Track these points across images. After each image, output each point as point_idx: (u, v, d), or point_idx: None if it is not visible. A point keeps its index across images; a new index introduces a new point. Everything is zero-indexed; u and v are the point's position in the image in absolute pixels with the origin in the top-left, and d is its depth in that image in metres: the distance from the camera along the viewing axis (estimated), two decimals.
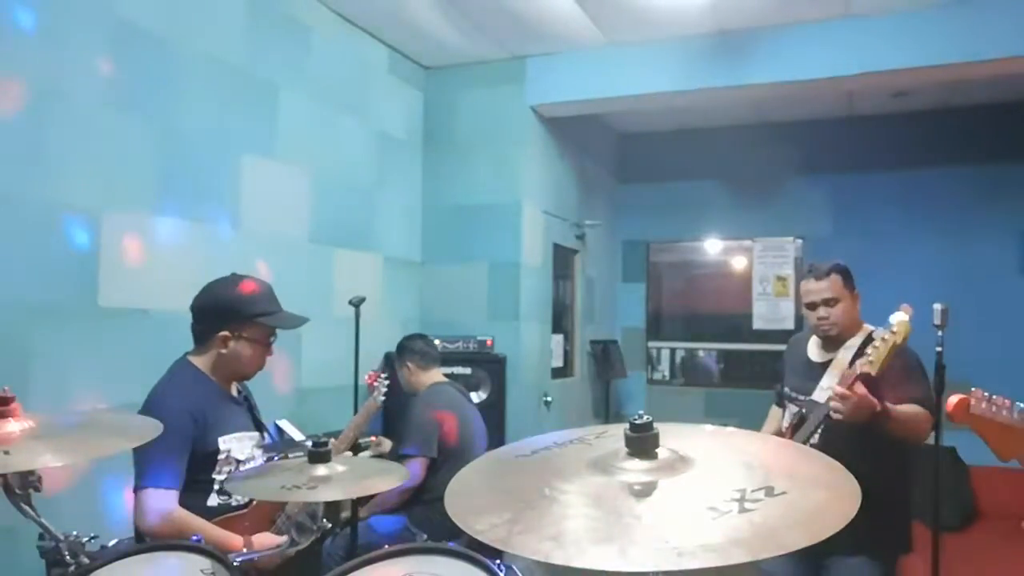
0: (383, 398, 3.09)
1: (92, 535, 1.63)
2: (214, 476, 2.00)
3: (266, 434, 2.24)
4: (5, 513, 1.58)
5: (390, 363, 4.23)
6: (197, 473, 1.98)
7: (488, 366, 4.44)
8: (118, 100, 2.87)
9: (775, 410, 2.85)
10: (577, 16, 4.15)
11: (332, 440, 2.75)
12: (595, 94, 4.63)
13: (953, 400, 1.55)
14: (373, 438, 3.62)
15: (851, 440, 2.20)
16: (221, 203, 3.36)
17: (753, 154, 6.06)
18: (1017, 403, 1.49)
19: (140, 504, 1.92)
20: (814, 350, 2.63)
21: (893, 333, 2.26)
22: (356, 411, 3.61)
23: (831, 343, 2.55)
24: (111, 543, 1.84)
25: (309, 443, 1.77)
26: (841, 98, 5.41)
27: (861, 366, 2.25)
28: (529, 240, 4.77)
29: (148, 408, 2.01)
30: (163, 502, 1.91)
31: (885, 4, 3.92)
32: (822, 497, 1.01)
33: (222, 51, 3.35)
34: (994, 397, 1.47)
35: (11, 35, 2.52)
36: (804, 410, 2.47)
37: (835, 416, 2.24)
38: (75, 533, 1.59)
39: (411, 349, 3.52)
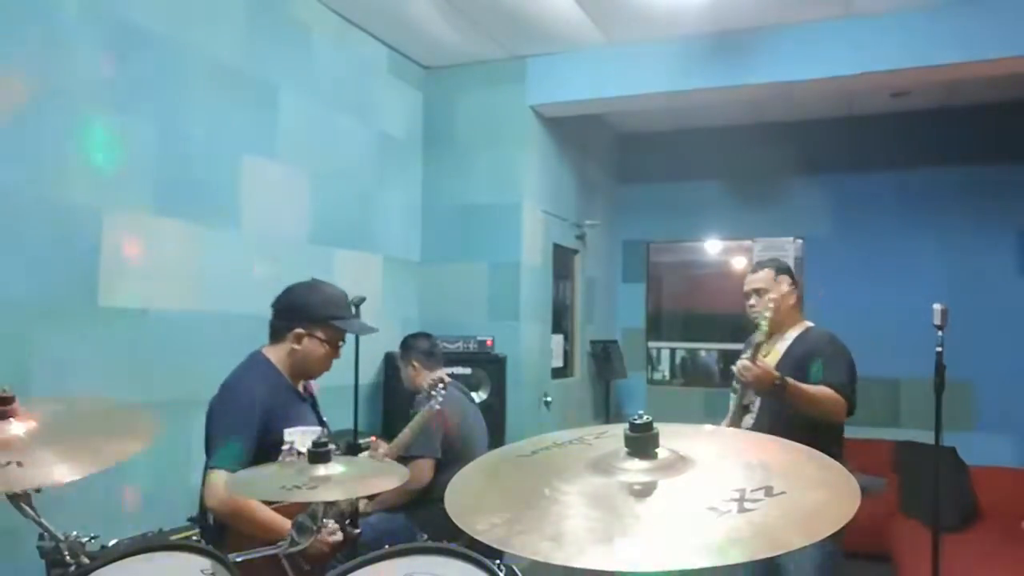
0: (438, 406, 3.09)
1: (92, 535, 1.63)
2: None
3: (327, 430, 2.34)
4: (5, 513, 1.58)
5: (392, 361, 4.24)
6: (260, 461, 2.06)
7: (488, 366, 4.44)
8: (118, 100, 2.87)
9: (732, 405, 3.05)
10: (577, 16, 4.15)
11: (378, 440, 2.79)
12: (595, 94, 4.63)
13: None
14: (372, 438, 3.62)
15: (780, 425, 2.40)
16: (221, 203, 3.36)
17: (753, 154, 6.06)
18: None
19: (208, 483, 2.05)
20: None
21: (773, 301, 2.69)
22: (356, 412, 3.60)
23: (770, 335, 2.82)
24: (111, 543, 1.84)
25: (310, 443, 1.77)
26: (841, 98, 5.41)
27: (756, 337, 2.65)
28: (529, 240, 4.77)
29: (223, 394, 2.16)
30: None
31: (885, 4, 3.92)
32: (821, 497, 1.01)
33: (222, 51, 3.35)
34: None
35: (12, 35, 2.52)
36: (737, 393, 2.81)
37: (743, 382, 2.62)
38: (75, 533, 1.59)
39: (417, 348, 3.54)
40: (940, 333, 2.75)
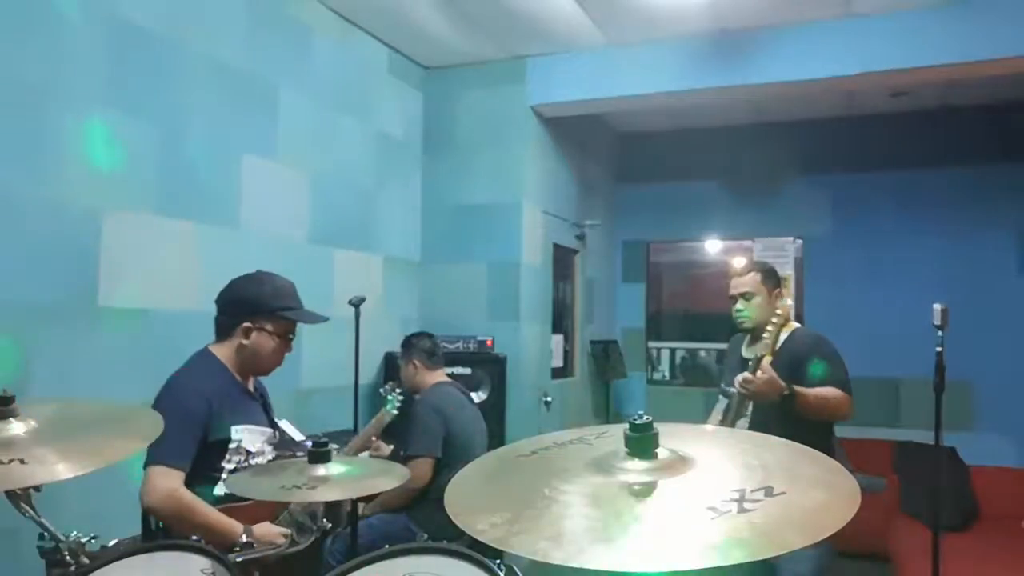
0: (396, 411, 3.11)
1: (92, 535, 1.63)
2: (223, 464, 2.05)
3: (278, 432, 2.28)
4: (5, 513, 1.58)
5: (392, 361, 4.24)
6: (207, 460, 2.02)
7: (488, 366, 4.44)
8: (118, 100, 2.87)
9: (718, 404, 3.00)
10: (577, 16, 4.15)
11: (378, 441, 2.80)
12: (595, 94, 4.63)
13: None
14: (372, 439, 3.62)
15: (776, 427, 2.28)
16: (221, 203, 3.36)
17: (753, 154, 6.05)
18: None
19: (146, 480, 1.97)
20: (746, 348, 2.88)
21: (778, 315, 2.65)
22: (356, 412, 3.61)
23: (757, 338, 2.78)
24: (111, 543, 1.84)
25: (309, 443, 1.77)
26: (841, 98, 5.41)
27: (759, 351, 2.60)
28: (529, 240, 4.77)
29: (167, 390, 2.09)
30: (169, 480, 1.95)
31: (885, 4, 3.92)
32: (821, 497, 1.01)
33: (222, 51, 3.35)
34: None
35: (12, 35, 2.52)
36: (731, 401, 2.74)
37: (744, 395, 2.59)
38: (75, 533, 1.59)
39: (420, 348, 3.55)
40: (940, 333, 2.75)
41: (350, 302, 3.54)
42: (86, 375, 2.73)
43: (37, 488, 1.59)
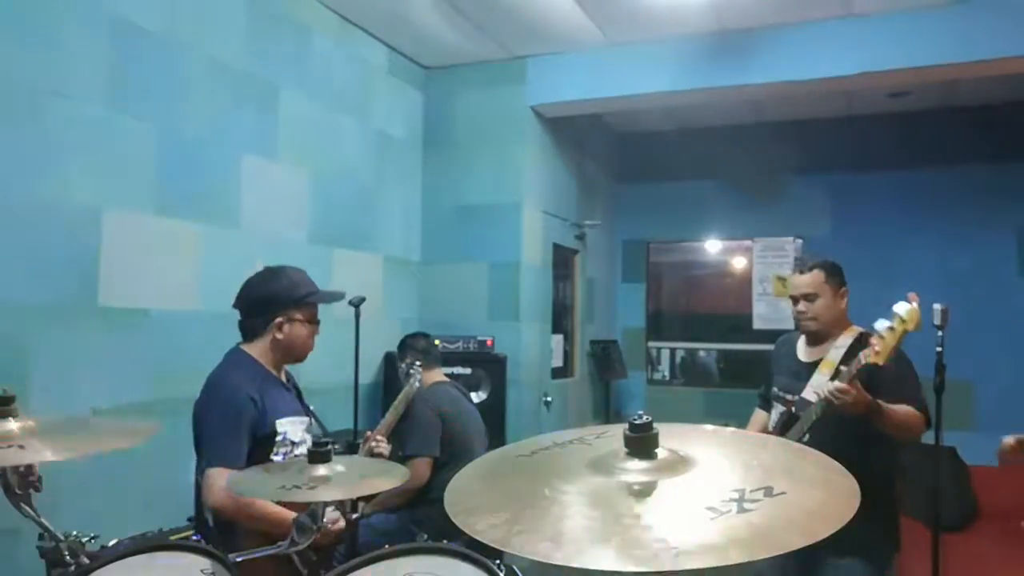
0: (418, 384, 3.11)
1: (92, 535, 1.63)
2: (272, 458, 2.11)
3: (313, 419, 2.33)
4: (5, 513, 1.58)
5: (392, 361, 4.24)
6: (256, 454, 2.07)
7: (488, 366, 4.44)
8: (118, 100, 2.87)
9: (759, 412, 2.83)
10: (577, 16, 4.15)
11: (368, 432, 2.82)
12: (595, 94, 4.63)
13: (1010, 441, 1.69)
14: (368, 433, 3.61)
15: (840, 439, 2.20)
16: (221, 203, 3.36)
17: (753, 154, 6.06)
18: None
19: (207, 482, 2.03)
20: (803, 350, 2.63)
21: (903, 321, 2.27)
22: (356, 411, 3.61)
23: (817, 340, 2.56)
24: (111, 543, 1.85)
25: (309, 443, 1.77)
26: (841, 98, 5.41)
27: (867, 356, 2.24)
28: (529, 240, 4.77)
29: (208, 392, 2.15)
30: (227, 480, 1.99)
31: (885, 4, 3.92)
32: (821, 497, 1.01)
33: (222, 51, 3.35)
34: None
35: (12, 35, 2.52)
36: (793, 409, 2.46)
37: (835, 403, 2.24)
38: (75, 533, 1.59)
39: (415, 348, 3.55)
40: (940, 333, 2.74)
41: (350, 302, 3.53)
42: (86, 375, 2.73)
43: (37, 488, 1.59)
